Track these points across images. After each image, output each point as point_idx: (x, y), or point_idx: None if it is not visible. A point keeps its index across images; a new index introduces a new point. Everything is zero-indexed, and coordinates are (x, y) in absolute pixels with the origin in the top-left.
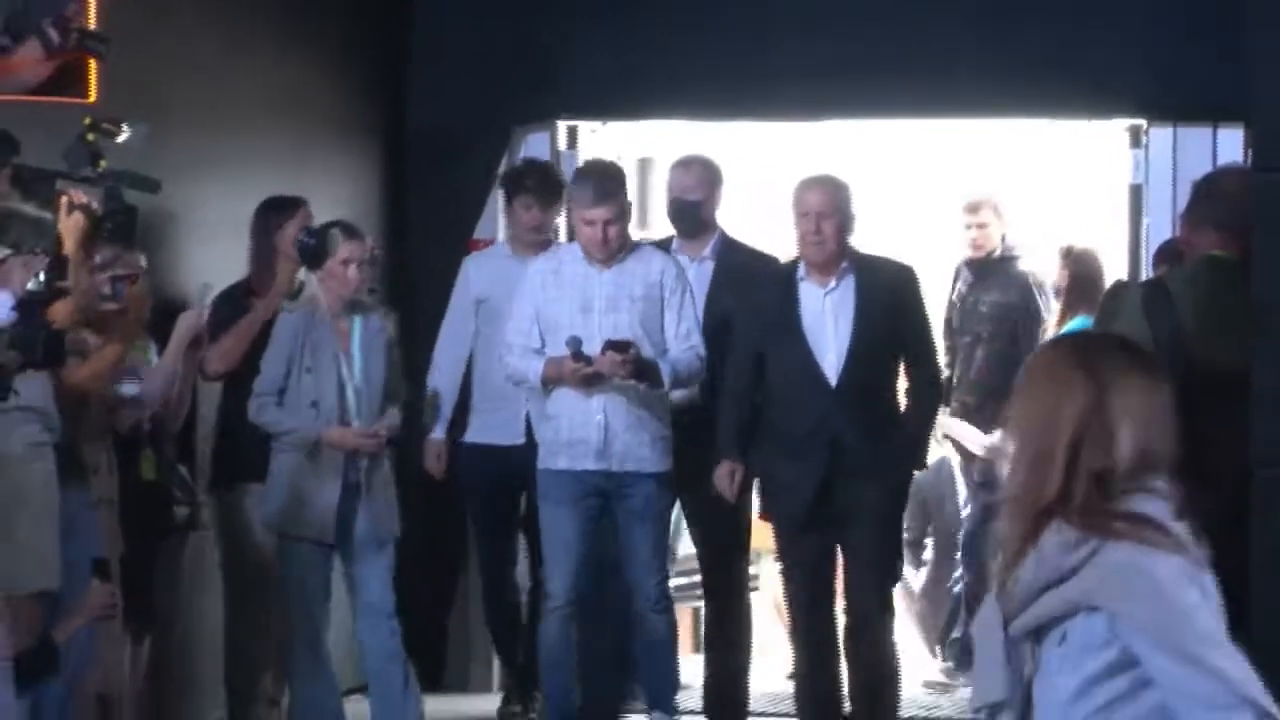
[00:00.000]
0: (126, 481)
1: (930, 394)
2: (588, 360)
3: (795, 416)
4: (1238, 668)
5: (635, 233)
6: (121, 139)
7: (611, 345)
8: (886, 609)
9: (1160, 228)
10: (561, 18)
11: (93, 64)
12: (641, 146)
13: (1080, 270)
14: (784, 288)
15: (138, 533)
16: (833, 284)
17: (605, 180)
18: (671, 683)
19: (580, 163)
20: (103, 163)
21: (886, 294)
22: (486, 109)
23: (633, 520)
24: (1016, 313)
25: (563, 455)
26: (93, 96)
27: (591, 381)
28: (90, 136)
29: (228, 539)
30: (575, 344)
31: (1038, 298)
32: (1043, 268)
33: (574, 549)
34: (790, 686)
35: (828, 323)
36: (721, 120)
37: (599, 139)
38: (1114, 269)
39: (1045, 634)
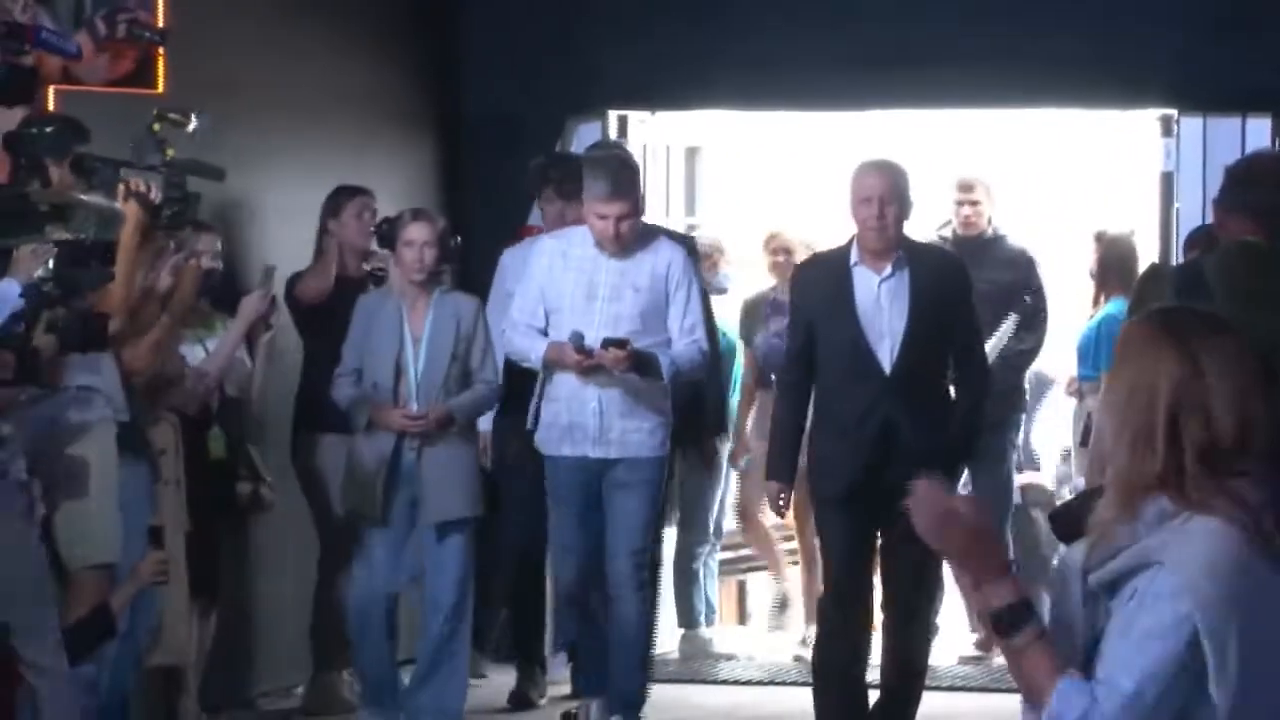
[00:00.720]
0: (194, 460)
1: (980, 384)
2: (589, 353)
3: (847, 402)
4: (1148, 678)
5: (683, 220)
6: (190, 129)
7: (611, 343)
8: (924, 603)
9: (1190, 213)
10: (612, 9)
11: (161, 57)
12: (690, 135)
13: (1113, 254)
14: (837, 273)
15: (204, 510)
16: (888, 270)
17: (621, 174)
18: (637, 682)
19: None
20: (170, 151)
21: (938, 283)
22: (540, 100)
23: (616, 494)
24: (1019, 290)
25: (566, 441)
26: (161, 88)
27: (591, 372)
28: (157, 126)
29: (308, 493)
30: (578, 339)
31: (1039, 274)
32: (1035, 247)
33: (581, 544)
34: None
35: (883, 309)
36: (767, 110)
37: (648, 128)
38: (1145, 254)
39: (1119, 589)
